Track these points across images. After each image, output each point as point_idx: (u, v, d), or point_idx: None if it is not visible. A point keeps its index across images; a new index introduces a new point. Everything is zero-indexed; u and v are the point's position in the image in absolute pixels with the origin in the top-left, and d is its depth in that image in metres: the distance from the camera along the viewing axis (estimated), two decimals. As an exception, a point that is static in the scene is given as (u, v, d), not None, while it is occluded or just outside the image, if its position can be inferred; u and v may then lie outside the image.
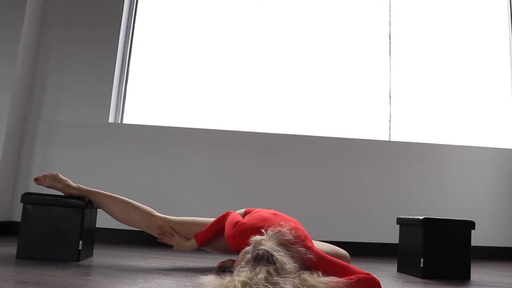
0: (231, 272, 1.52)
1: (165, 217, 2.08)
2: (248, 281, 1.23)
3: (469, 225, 2.14)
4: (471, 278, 2.08)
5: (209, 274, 1.34)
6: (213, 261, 2.22)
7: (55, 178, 2.06)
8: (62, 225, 1.95)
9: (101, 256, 2.19)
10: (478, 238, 2.45)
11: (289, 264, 1.32)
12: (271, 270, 1.27)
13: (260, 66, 3.52)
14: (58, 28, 3.37)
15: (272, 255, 1.31)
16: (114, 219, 2.11)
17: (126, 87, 3.48)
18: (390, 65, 3.54)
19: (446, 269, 2.07)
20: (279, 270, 1.28)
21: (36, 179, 2.05)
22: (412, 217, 2.17)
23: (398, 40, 3.59)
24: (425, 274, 2.03)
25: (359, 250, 2.94)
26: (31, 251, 1.93)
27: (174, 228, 2.05)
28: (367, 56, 3.56)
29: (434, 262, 2.05)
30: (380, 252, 3.05)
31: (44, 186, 2.06)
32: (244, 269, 1.32)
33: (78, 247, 1.94)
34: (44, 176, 2.06)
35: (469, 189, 3.27)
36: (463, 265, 2.09)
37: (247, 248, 1.40)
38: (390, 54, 3.56)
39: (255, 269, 1.29)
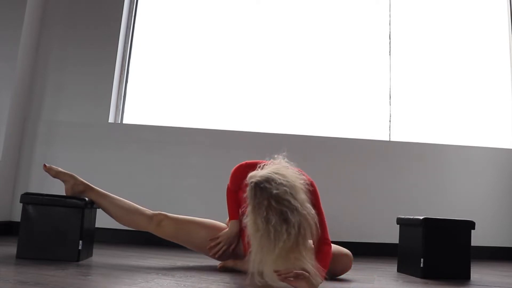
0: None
1: (165, 214, 2.09)
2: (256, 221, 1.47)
3: (469, 225, 2.14)
4: (471, 278, 2.08)
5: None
6: (214, 261, 2.22)
7: (62, 170, 2.10)
8: (62, 225, 1.95)
9: (101, 256, 2.19)
10: (478, 238, 2.45)
11: (281, 190, 1.49)
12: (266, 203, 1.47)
13: (260, 66, 3.52)
14: (58, 28, 3.37)
15: (262, 182, 1.49)
16: (114, 219, 2.11)
17: (126, 87, 3.48)
18: (390, 65, 3.54)
19: (446, 269, 2.07)
20: (275, 196, 1.47)
21: (45, 165, 2.07)
22: (412, 217, 2.17)
23: (398, 40, 3.58)
24: (425, 274, 2.03)
25: (359, 250, 2.94)
26: (31, 251, 1.93)
27: (175, 224, 2.06)
28: (367, 56, 3.56)
29: (434, 262, 2.05)
30: (380, 252, 3.05)
31: (51, 174, 2.08)
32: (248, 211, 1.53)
33: (78, 247, 1.94)
34: (52, 166, 2.09)
35: (469, 189, 3.27)
36: (463, 265, 2.09)
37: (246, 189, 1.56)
38: (390, 54, 3.56)
39: (255, 208, 1.49)
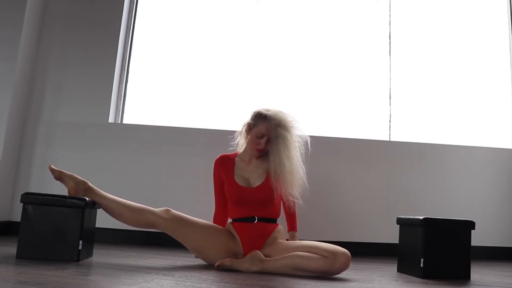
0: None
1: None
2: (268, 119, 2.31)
3: (469, 225, 2.14)
4: (471, 278, 2.08)
5: None
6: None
7: (65, 172, 2.10)
8: (62, 225, 1.95)
9: (101, 256, 2.19)
10: (478, 238, 2.45)
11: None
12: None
13: (260, 66, 3.52)
14: (58, 28, 3.37)
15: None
16: (118, 220, 2.11)
17: (126, 87, 3.48)
18: (390, 65, 3.54)
19: (446, 269, 2.07)
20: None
21: (50, 165, 2.09)
22: (412, 217, 2.17)
23: (398, 40, 3.58)
24: (425, 274, 2.03)
25: (359, 250, 2.94)
26: (31, 251, 1.93)
27: (181, 215, 2.11)
28: (367, 56, 3.56)
29: (434, 262, 2.05)
30: (380, 252, 3.05)
31: (54, 176, 2.08)
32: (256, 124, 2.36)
33: (78, 247, 1.94)
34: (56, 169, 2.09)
35: (469, 189, 3.27)
36: (463, 265, 2.09)
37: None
38: (390, 54, 3.56)
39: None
